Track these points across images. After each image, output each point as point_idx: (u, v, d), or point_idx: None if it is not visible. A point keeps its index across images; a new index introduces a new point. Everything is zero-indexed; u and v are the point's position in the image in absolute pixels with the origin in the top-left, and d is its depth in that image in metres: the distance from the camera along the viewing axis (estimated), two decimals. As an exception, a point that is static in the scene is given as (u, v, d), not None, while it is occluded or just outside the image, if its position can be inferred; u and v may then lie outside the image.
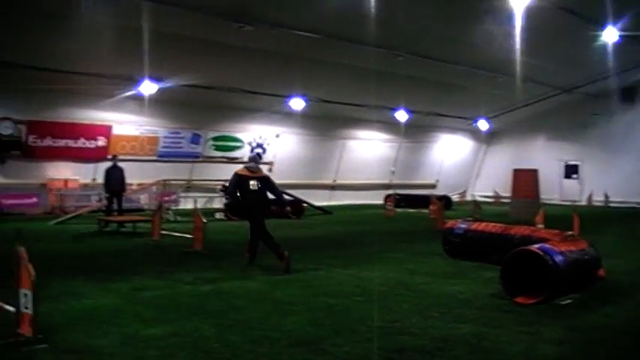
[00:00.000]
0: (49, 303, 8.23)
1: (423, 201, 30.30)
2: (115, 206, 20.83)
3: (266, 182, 12.59)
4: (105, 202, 21.39)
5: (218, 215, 23.98)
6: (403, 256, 13.81)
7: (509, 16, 19.27)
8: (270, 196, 12.92)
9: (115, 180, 20.59)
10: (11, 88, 22.38)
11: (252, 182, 12.23)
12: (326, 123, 31.85)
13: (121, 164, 21.01)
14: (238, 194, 12.34)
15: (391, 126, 33.86)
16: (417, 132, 35.55)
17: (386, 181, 36.32)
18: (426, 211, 26.78)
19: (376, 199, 33.65)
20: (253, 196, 12.27)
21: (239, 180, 12.27)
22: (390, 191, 32.64)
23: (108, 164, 21.31)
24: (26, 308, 6.55)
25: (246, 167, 12.63)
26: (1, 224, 20.08)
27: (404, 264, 12.67)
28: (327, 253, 14.18)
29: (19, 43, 19.48)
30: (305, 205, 26.28)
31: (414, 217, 26.66)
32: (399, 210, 28.24)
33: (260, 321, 7.67)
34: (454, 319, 7.90)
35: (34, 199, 24.43)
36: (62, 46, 19.92)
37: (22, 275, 6.54)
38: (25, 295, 6.52)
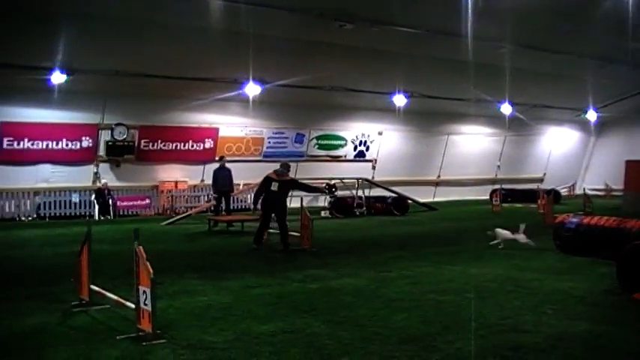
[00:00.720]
0: (166, 300, 8.56)
1: (530, 195, 29.68)
2: (223, 206, 21.33)
3: (289, 184, 14.92)
4: (214, 202, 21.94)
5: (324, 213, 24.21)
6: (512, 252, 13.54)
7: (617, 1, 18.56)
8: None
9: (222, 180, 21.06)
10: (124, 95, 23.37)
11: (273, 183, 14.44)
12: (429, 118, 31.53)
13: (228, 165, 21.49)
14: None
15: (495, 119, 33.19)
16: (522, 125, 34.59)
17: (491, 176, 35.67)
18: (533, 205, 26.23)
19: (482, 194, 33.15)
20: (271, 195, 14.44)
21: (266, 180, 14.64)
22: (496, 186, 32.03)
23: (216, 165, 21.84)
24: (145, 305, 6.82)
25: (274, 171, 14.91)
26: (117, 225, 20.97)
27: (513, 260, 12.44)
28: (434, 250, 14.07)
29: (129, 52, 20.29)
30: (409, 201, 26.14)
31: (522, 212, 26.07)
32: (505, 205, 27.71)
33: (369, 318, 7.71)
34: (568, 316, 7.70)
35: (147, 201, 25.35)
36: (169, 53, 20.59)
37: (142, 273, 6.82)
38: (144, 292, 6.79)
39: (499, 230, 14.74)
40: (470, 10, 18.07)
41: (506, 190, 30.91)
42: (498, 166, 36.00)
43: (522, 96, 30.24)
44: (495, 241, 14.51)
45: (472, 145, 34.69)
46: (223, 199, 21.22)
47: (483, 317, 7.58)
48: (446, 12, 19.41)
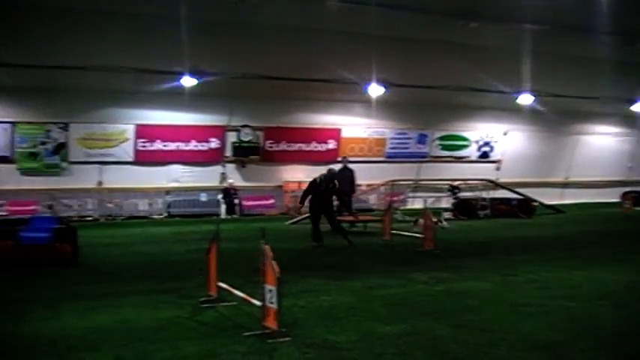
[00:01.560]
0: (290, 299, 8.65)
1: (666, 198, 28.23)
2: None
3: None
4: (336, 202, 22.06)
5: (446, 215, 23.90)
6: (646, 258, 12.92)
7: None
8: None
9: (344, 181, 21.15)
10: (249, 97, 24.00)
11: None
12: (556, 118, 30.50)
13: (350, 166, 21.60)
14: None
15: (627, 119, 31.77)
16: (657, 124, 32.93)
17: (622, 178, 34.08)
18: (670, 209, 24.95)
19: (611, 196, 31.73)
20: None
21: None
22: (628, 188, 30.62)
23: (339, 166, 21.99)
24: (271, 303, 6.94)
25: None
26: (243, 224, 21.49)
27: (647, 266, 11.86)
28: (562, 254, 13.59)
29: (254, 55, 20.80)
30: (535, 204, 25.39)
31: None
32: (637, 208, 26.45)
33: (495, 322, 7.52)
34: None
35: (271, 201, 25.88)
36: (292, 55, 20.95)
37: (268, 272, 6.95)
38: (270, 290, 6.92)
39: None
40: (603, 4, 17.37)
41: (639, 193, 29.52)
42: (630, 167, 34.36)
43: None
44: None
45: (602, 146, 33.29)
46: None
47: (616, 326, 7.25)
48: (574, 6, 18.73)
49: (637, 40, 22.14)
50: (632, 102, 29.37)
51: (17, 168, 22.93)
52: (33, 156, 22.99)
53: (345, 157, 22.79)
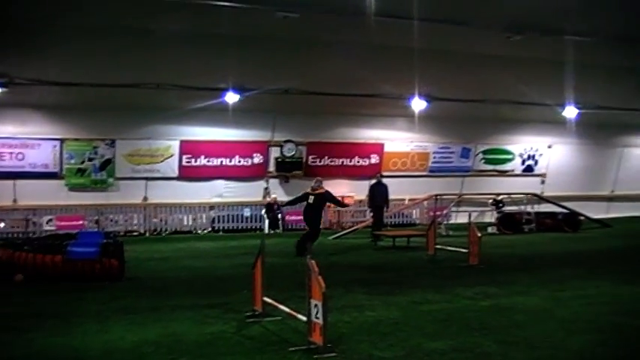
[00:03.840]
0: (335, 314, 8.67)
1: None
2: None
3: (323, 196, 16.91)
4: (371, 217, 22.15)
5: (491, 229, 23.70)
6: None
7: None
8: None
9: (379, 196, 21.17)
10: (293, 112, 24.16)
11: (310, 197, 16.66)
12: (602, 131, 29.97)
13: (390, 180, 21.62)
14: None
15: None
16: None
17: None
18: None
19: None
20: (309, 207, 16.77)
21: (304, 195, 17.00)
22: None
23: (373, 181, 22.08)
24: (317, 318, 6.96)
25: (311, 187, 17.10)
26: (286, 238, 21.55)
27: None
28: (610, 269, 13.40)
29: (297, 71, 20.90)
30: (581, 218, 25.00)
31: None
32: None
33: (544, 339, 7.43)
34: None
35: (315, 216, 25.89)
36: (335, 71, 20.97)
37: (314, 287, 6.98)
38: (316, 305, 6.94)
39: None
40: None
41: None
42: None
43: None
44: None
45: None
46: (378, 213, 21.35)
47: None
48: (622, 17, 18.43)
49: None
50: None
51: (65, 184, 23.31)
52: (80, 172, 23.34)
53: (379, 173, 22.77)
